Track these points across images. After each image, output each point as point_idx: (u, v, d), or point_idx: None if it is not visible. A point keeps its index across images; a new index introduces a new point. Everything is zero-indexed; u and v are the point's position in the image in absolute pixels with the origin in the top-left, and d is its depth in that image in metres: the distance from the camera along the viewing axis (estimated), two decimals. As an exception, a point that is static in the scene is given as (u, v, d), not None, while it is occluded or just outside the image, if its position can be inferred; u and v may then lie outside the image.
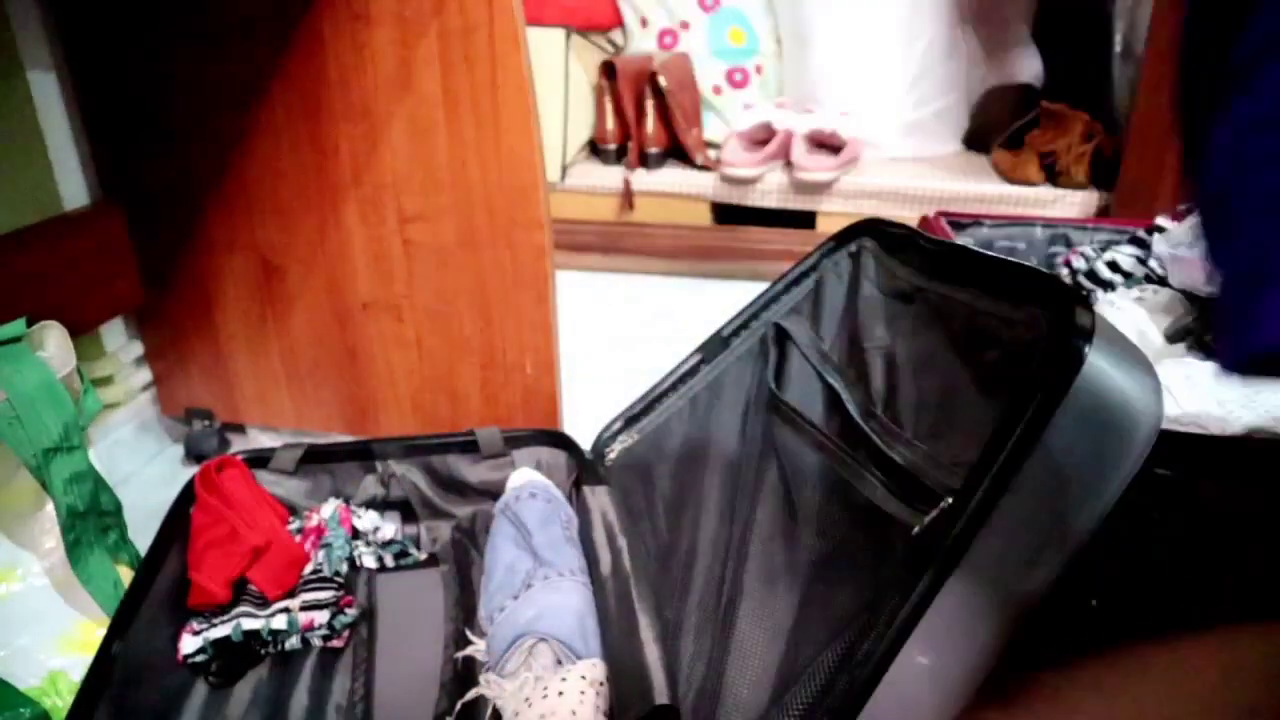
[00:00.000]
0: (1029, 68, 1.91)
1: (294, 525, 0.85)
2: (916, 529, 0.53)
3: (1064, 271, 1.01)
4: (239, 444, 1.21)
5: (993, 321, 0.58)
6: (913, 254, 0.71)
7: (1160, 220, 0.99)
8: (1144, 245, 0.98)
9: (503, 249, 0.96)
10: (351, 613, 0.77)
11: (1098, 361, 0.49)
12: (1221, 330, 0.48)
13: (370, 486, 0.90)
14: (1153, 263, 0.96)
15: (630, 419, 0.86)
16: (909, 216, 0.61)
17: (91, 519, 0.76)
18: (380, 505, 0.91)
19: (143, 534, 0.80)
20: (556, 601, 0.70)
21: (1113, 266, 0.97)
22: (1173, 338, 0.82)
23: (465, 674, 0.72)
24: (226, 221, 1.05)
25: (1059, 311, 0.52)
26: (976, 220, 1.11)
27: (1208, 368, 0.71)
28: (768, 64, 2.00)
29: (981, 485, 0.48)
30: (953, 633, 0.55)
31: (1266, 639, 0.50)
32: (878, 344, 0.72)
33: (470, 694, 0.67)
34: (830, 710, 0.51)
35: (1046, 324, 0.52)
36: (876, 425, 0.66)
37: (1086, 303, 0.52)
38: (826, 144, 1.82)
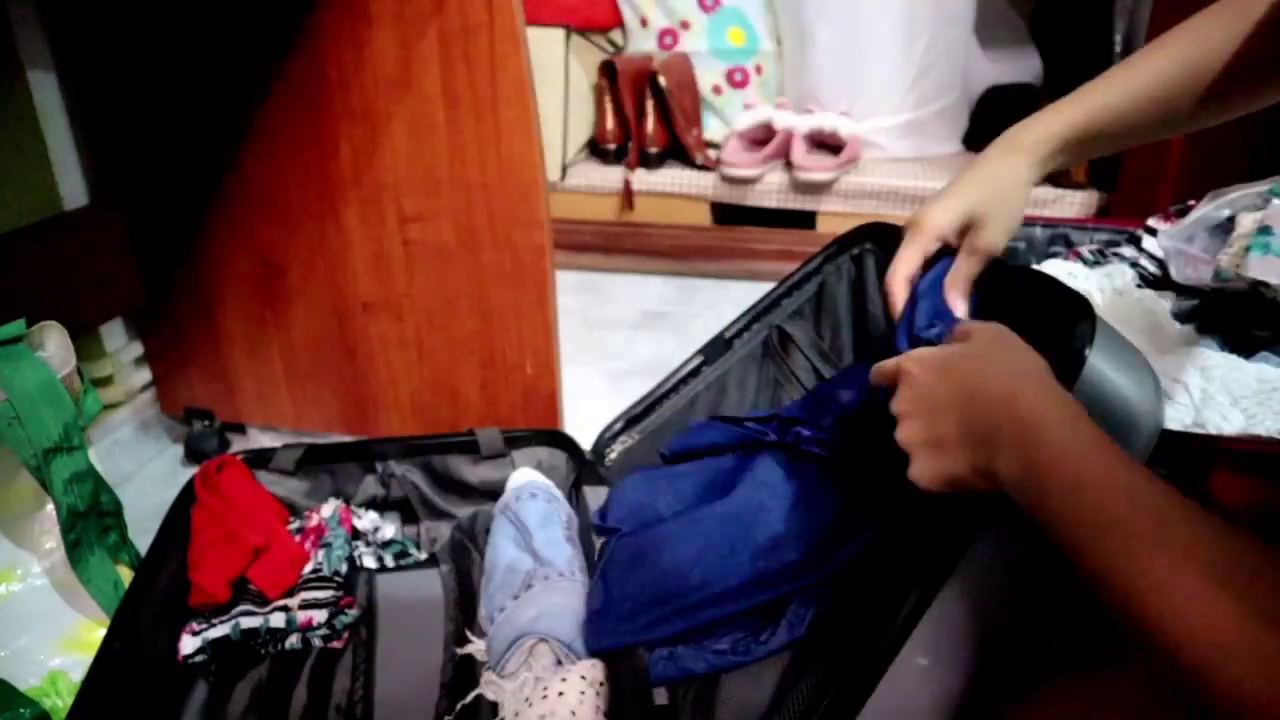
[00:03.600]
0: (1029, 68, 1.91)
1: (294, 525, 0.85)
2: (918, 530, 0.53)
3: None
4: (239, 444, 1.21)
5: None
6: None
7: (1152, 221, 0.99)
8: (1141, 247, 0.98)
9: (502, 249, 0.96)
10: (351, 613, 0.76)
11: (1098, 363, 0.49)
12: None
13: (370, 486, 0.90)
14: (1145, 262, 0.96)
15: (631, 419, 0.86)
16: (909, 217, 0.61)
17: (91, 519, 0.76)
18: (380, 505, 0.91)
19: (143, 534, 0.80)
20: (556, 602, 0.70)
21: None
22: (1183, 317, 0.82)
23: (465, 674, 0.72)
24: (226, 221, 1.05)
25: (1058, 314, 0.53)
26: (976, 221, 1.10)
27: (1225, 360, 0.70)
28: (768, 64, 2.00)
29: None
30: (953, 633, 0.56)
31: None
32: (880, 347, 0.72)
33: (470, 694, 0.67)
34: (829, 710, 0.51)
35: (1046, 326, 0.52)
36: (877, 426, 0.66)
37: (1087, 305, 0.52)
38: (826, 144, 1.81)
